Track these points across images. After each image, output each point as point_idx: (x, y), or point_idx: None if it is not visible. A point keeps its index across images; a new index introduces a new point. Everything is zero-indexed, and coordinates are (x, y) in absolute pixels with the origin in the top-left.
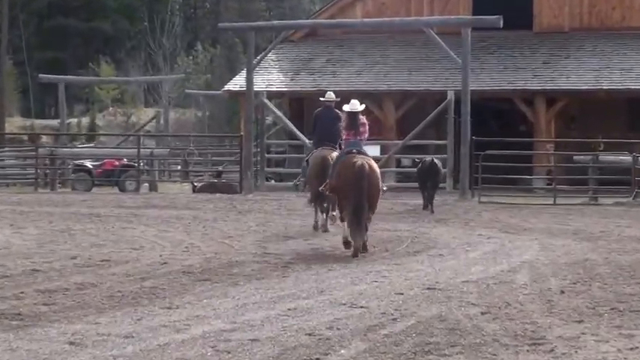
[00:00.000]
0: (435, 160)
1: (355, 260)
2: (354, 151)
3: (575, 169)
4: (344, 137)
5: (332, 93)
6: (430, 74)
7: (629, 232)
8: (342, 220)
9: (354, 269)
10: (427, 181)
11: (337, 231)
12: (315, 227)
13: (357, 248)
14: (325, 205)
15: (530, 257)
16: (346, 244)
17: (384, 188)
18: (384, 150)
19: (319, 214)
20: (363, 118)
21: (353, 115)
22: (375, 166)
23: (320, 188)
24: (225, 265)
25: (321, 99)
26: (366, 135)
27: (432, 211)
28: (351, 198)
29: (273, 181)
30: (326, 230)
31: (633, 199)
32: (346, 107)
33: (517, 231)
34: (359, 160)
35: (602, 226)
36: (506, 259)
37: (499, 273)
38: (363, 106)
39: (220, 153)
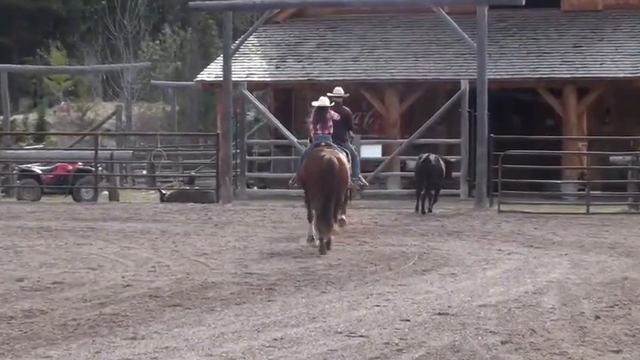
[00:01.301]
0: (432, 156)
1: (353, 281)
2: (323, 143)
3: (612, 172)
4: (312, 133)
5: (340, 88)
6: (440, 61)
7: None
8: (310, 220)
9: (351, 292)
10: (422, 180)
11: (332, 246)
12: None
13: (322, 245)
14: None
15: (559, 276)
16: (311, 240)
17: (366, 184)
18: (386, 150)
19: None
20: (332, 113)
21: (321, 111)
22: (343, 159)
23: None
24: (200, 287)
25: (329, 94)
26: (331, 130)
27: (426, 212)
28: (318, 191)
29: (255, 188)
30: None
31: None
32: (315, 103)
33: (543, 245)
34: (327, 153)
35: None
36: (531, 278)
37: (522, 295)
38: (333, 103)
39: (193, 155)
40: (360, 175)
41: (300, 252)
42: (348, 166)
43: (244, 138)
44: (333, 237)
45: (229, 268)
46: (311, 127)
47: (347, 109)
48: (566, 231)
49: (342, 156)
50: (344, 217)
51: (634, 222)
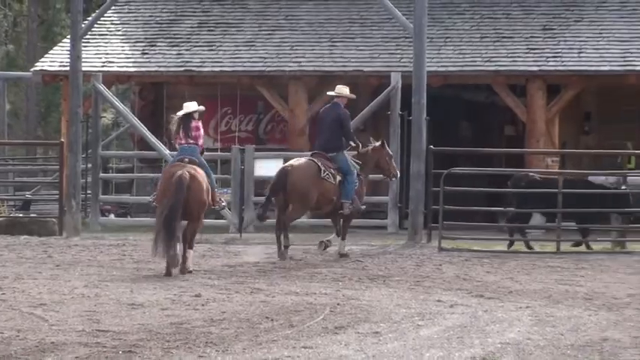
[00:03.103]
0: (533, 176)
1: (241, 342)
2: (186, 159)
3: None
4: (177, 143)
5: (345, 87)
6: (364, 47)
7: None
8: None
9: (238, 356)
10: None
11: (214, 294)
12: (282, 257)
13: (169, 263)
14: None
15: (517, 336)
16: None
17: (360, 209)
18: None
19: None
20: (196, 122)
21: (186, 118)
22: (199, 175)
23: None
24: (34, 349)
25: (330, 93)
26: (201, 141)
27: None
28: (164, 208)
29: (112, 216)
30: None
31: None
32: (180, 113)
33: (498, 295)
34: (179, 169)
35: (632, 286)
36: (481, 339)
37: None
38: (202, 108)
39: (28, 171)
40: (353, 197)
41: (171, 302)
42: (205, 184)
43: (98, 149)
44: (187, 261)
45: (75, 323)
46: (174, 136)
47: (344, 110)
48: (529, 276)
49: (199, 171)
50: (345, 249)
51: (618, 264)
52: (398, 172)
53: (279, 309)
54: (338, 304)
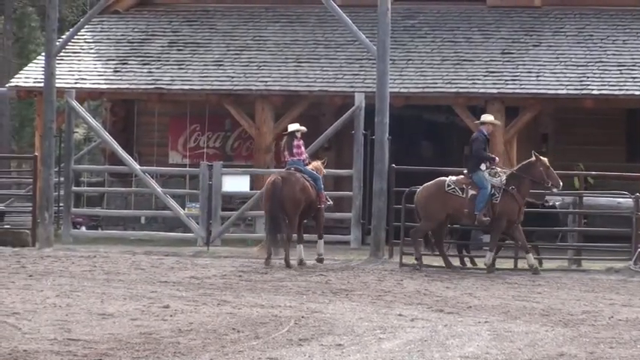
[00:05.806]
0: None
1: (208, 352)
2: (292, 169)
3: (548, 217)
4: (283, 158)
5: (489, 116)
6: (329, 68)
7: (627, 313)
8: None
9: None
10: None
11: (182, 306)
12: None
13: (287, 260)
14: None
15: (476, 350)
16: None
17: (485, 219)
18: (255, 183)
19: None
20: (298, 141)
21: (289, 138)
22: (295, 179)
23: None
24: (8, 357)
25: (476, 122)
26: (304, 156)
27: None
28: (265, 214)
29: (84, 229)
30: None
31: (634, 263)
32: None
33: (457, 310)
34: (274, 176)
35: (587, 303)
36: (440, 352)
37: None
38: (303, 128)
39: (2, 183)
40: (484, 209)
41: (140, 313)
42: (299, 185)
43: (70, 163)
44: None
45: (47, 332)
46: (283, 153)
47: (478, 134)
48: (487, 292)
49: (296, 175)
50: (532, 259)
51: (574, 282)
52: (560, 182)
53: (245, 321)
54: (302, 317)
